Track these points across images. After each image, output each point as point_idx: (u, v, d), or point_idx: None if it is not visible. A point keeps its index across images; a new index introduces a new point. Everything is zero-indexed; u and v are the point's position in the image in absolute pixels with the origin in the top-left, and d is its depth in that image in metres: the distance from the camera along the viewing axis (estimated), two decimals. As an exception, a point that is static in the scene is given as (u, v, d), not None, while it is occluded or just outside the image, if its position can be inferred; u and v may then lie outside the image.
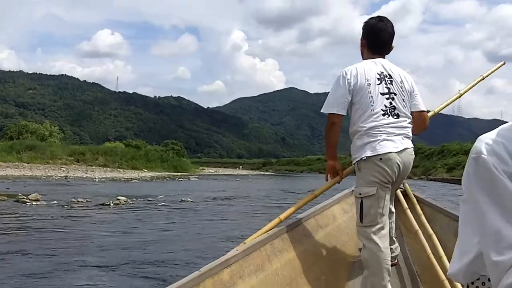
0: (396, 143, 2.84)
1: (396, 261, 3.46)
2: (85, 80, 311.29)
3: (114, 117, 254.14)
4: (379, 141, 2.81)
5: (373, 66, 2.95)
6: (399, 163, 2.84)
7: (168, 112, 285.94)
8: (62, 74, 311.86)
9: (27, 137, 58.26)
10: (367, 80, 2.87)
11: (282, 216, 2.84)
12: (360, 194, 2.86)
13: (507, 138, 1.03)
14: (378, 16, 3.12)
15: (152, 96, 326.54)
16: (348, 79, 2.88)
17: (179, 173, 54.41)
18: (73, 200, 15.16)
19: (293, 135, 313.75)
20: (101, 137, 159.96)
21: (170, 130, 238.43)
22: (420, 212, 3.79)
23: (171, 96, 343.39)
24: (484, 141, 1.04)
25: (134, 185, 27.70)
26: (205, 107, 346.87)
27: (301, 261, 2.90)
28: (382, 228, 2.87)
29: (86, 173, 41.14)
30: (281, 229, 2.89)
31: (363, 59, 3.06)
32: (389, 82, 2.92)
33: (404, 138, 2.88)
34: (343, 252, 3.49)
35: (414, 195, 4.17)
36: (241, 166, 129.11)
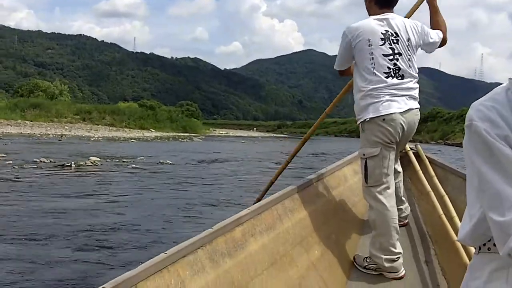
0: (400, 103, 2.81)
1: (406, 221, 3.53)
2: (103, 40, 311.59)
3: (131, 78, 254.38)
4: (382, 102, 2.78)
5: (378, 26, 2.85)
6: (403, 124, 2.82)
7: (185, 73, 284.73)
8: (80, 34, 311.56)
9: (38, 95, 57.47)
10: (369, 41, 2.81)
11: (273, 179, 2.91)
12: (364, 155, 2.87)
13: (499, 102, 1.05)
14: None
15: (169, 57, 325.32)
16: (348, 39, 2.84)
17: (187, 134, 53.61)
18: (36, 160, 14.14)
19: (310, 98, 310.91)
20: (118, 98, 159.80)
21: (186, 91, 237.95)
22: (433, 173, 3.78)
23: (188, 57, 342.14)
24: (476, 108, 1.07)
25: (126, 145, 26.59)
26: (222, 69, 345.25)
27: (312, 220, 2.93)
28: (388, 187, 2.89)
29: (89, 132, 40.33)
30: (292, 189, 2.91)
31: (370, 14, 2.93)
32: (395, 41, 2.85)
33: (408, 99, 2.85)
34: (354, 212, 3.51)
35: (426, 156, 4.18)
36: (255, 128, 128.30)
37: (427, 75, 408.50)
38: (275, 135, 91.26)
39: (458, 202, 3.13)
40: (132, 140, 32.88)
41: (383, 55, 2.82)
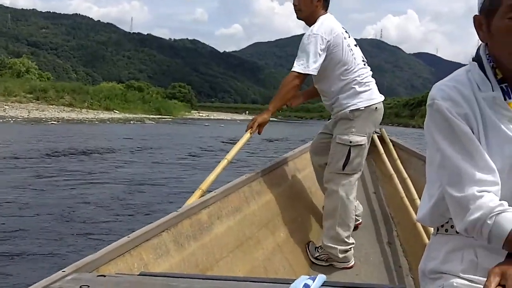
0: (378, 92, 2.91)
1: (360, 220, 3.47)
2: (99, 20, 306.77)
3: (127, 59, 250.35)
4: (371, 90, 2.85)
5: (335, 20, 2.90)
6: (382, 113, 2.93)
7: (183, 55, 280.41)
8: (76, 14, 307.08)
9: (5, 73, 53.68)
10: (343, 34, 2.84)
11: (203, 187, 2.52)
12: (350, 142, 2.83)
13: (460, 82, 1.10)
14: None
15: (167, 38, 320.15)
16: (327, 36, 2.78)
17: (158, 116, 50.52)
18: None
19: (309, 81, 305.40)
20: (114, 79, 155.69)
21: (184, 73, 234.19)
22: (396, 156, 3.93)
23: (187, 38, 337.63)
24: (438, 88, 1.11)
25: (44, 129, 22.84)
26: (221, 51, 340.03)
27: (278, 203, 2.92)
28: (358, 178, 2.96)
29: (29, 112, 35.70)
30: (259, 172, 2.88)
31: (315, 15, 2.88)
32: (349, 35, 2.91)
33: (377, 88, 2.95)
34: (319, 195, 3.45)
35: (390, 139, 4.34)
36: (247, 111, 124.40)
37: (425, 60, 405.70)
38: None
39: (420, 184, 3.03)
40: (74, 122, 29.69)
41: (354, 45, 2.89)
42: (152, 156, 13.33)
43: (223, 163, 2.75)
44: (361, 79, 2.83)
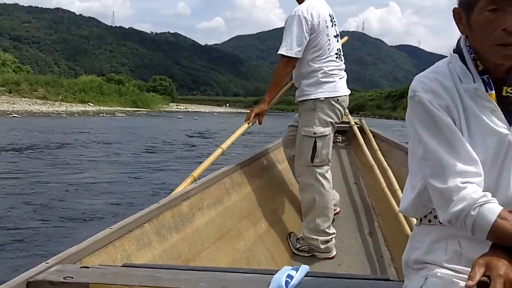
0: (345, 86, 2.96)
1: (338, 209, 3.51)
2: (81, 14, 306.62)
3: (109, 52, 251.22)
4: (335, 82, 2.87)
5: (324, 6, 2.91)
6: (346, 106, 2.99)
7: (164, 48, 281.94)
8: (58, 8, 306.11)
9: None
10: (326, 22, 2.85)
11: (195, 174, 2.65)
12: (315, 134, 2.85)
13: (441, 73, 1.10)
14: None
15: (149, 32, 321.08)
16: (310, 19, 2.80)
17: (134, 109, 51.20)
18: None
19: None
20: (96, 72, 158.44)
21: (166, 67, 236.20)
22: (376, 147, 3.92)
23: (168, 32, 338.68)
24: (419, 80, 1.11)
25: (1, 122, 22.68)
26: (203, 44, 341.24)
27: (259, 195, 2.97)
28: (329, 168, 2.97)
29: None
30: (240, 163, 2.93)
31: None
32: (335, 23, 2.95)
33: (345, 83, 2.99)
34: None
35: (370, 130, 4.26)
36: (227, 104, 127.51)
37: (407, 52, 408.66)
38: (242, 110, 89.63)
39: (401, 175, 3.12)
40: (39, 116, 29.87)
41: (334, 36, 2.92)
42: (96, 151, 12.88)
43: (218, 152, 2.85)
44: (328, 69, 2.83)
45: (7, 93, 42.80)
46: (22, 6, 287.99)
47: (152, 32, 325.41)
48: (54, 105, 42.65)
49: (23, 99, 42.63)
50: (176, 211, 2.08)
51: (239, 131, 3.04)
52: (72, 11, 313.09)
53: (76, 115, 35.21)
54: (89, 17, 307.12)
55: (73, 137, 16.53)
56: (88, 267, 1.36)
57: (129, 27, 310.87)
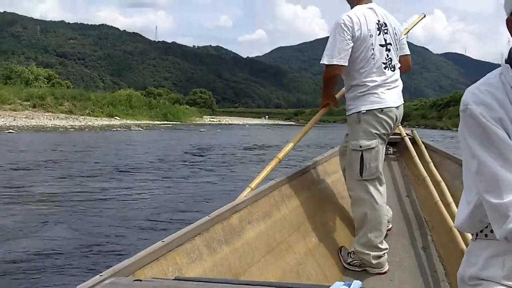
0: (394, 97, 2.80)
1: (391, 225, 3.39)
2: (125, 30, 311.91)
3: (153, 67, 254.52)
4: (380, 93, 2.75)
5: (372, 14, 2.80)
6: (397, 117, 2.82)
7: (206, 61, 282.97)
8: (103, 24, 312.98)
9: (16, 81, 51.82)
10: (370, 31, 2.75)
11: (252, 185, 2.59)
12: (360, 147, 2.78)
13: (493, 85, 1.05)
14: None
15: (191, 46, 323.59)
16: (350, 27, 2.70)
17: (161, 122, 49.25)
18: None
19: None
20: (140, 87, 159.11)
21: (208, 80, 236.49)
22: (429, 159, 3.85)
23: (210, 45, 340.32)
24: (471, 92, 1.07)
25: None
26: (244, 57, 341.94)
27: (309, 207, 2.92)
28: (382, 182, 2.87)
29: (15, 119, 33.80)
30: (289, 176, 2.87)
31: (354, 4, 2.84)
32: (385, 31, 2.82)
33: (399, 93, 2.85)
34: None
35: (422, 142, 4.28)
36: (267, 116, 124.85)
37: (453, 60, 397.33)
38: (280, 122, 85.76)
39: (455, 188, 3.09)
40: (60, 131, 28.96)
41: (380, 45, 2.78)
42: (46, 170, 11.49)
43: (274, 161, 2.82)
44: (370, 83, 2.75)
45: (30, 108, 41.17)
46: (68, 23, 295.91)
47: (194, 46, 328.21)
48: (78, 119, 40.73)
49: (46, 113, 40.71)
50: (226, 224, 2.08)
51: (296, 138, 3.01)
52: (117, 27, 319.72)
53: (98, 129, 33.38)
54: (133, 32, 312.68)
55: (60, 154, 15.50)
56: (141, 280, 1.36)
57: (171, 41, 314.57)
